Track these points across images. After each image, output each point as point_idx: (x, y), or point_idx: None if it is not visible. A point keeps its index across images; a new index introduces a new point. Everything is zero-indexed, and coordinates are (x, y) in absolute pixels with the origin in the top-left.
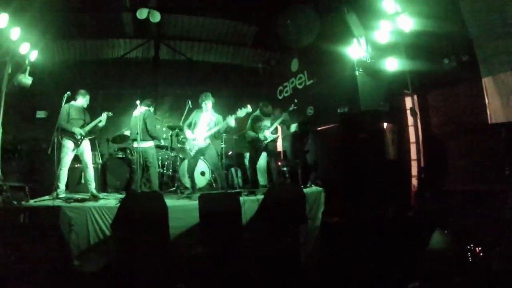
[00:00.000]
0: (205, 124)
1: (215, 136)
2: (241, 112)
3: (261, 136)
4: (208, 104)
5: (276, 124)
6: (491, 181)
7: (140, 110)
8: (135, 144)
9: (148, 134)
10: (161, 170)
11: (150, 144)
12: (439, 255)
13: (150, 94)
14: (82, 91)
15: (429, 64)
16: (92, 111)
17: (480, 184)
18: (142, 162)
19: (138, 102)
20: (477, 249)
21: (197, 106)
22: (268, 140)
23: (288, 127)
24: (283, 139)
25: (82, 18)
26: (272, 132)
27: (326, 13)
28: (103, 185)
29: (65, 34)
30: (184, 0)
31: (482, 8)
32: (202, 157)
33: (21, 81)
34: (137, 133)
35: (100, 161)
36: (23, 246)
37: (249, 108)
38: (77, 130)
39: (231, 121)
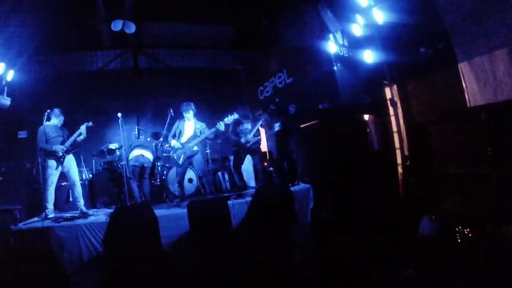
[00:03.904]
0: (191, 132)
1: (201, 143)
2: (229, 119)
3: (243, 140)
4: (190, 113)
5: (257, 126)
6: (474, 163)
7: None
8: (139, 152)
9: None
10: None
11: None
12: (429, 240)
13: (131, 104)
14: (56, 110)
15: (406, 54)
16: (73, 125)
17: (464, 167)
18: (135, 176)
19: (119, 114)
20: (465, 231)
21: (179, 113)
22: (251, 142)
23: (270, 128)
24: (268, 139)
25: (58, 32)
26: (255, 134)
27: (301, 10)
28: (91, 201)
29: (42, 50)
30: (159, 7)
31: None
32: (189, 165)
33: None
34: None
35: (87, 177)
36: (16, 270)
37: (236, 115)
38: (57, 147)
39: (222, 126)
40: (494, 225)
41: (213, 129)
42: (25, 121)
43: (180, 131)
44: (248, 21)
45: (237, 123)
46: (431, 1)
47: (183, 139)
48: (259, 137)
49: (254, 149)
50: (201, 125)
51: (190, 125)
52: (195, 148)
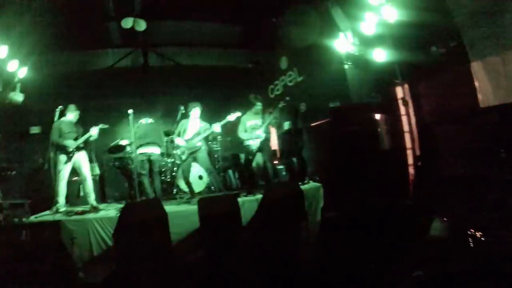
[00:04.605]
0: (195, 130)
1: (208, 139)
2: (231, 117)
3: (253, 136)
4: (195, 112)
5: (267, 122)
6: (486, 164)
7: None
8: (145, 150)
9: (161, 141)
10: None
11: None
12: (439, 242)
13: (141, 102)
14: (71, 106)
15: (417, 53)
16: (84, 122)
17: (476, 169)
18: (145, 171)
19: (130, 111)
20: (477, 234)
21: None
22: (260, 138)
23: (280, 126)
24: (278, 137)
25: (69, 30)
26: (264, 131)
27: (311, 9)
28: (102, 196)
29: (53, 48)
30: (169, 5)
31: None
32: (195, 162)
33: (12, 99)
34: (150, 141)
35: (98, 172)
36: (27, 262)
37: (239, 113)
38: (69, 143)
39: (216, 127)
40: (506, 229)
41: (211, 129)
42: (37, 117)
43: (185, 129)
44: (257, 19)
45: (247, 119)
46: (442, 0)
47: (187, 136)
48: (268, 134)
49: (264, 146)
50: (205, 125)
51: (195, 124)
52: (198, 144)
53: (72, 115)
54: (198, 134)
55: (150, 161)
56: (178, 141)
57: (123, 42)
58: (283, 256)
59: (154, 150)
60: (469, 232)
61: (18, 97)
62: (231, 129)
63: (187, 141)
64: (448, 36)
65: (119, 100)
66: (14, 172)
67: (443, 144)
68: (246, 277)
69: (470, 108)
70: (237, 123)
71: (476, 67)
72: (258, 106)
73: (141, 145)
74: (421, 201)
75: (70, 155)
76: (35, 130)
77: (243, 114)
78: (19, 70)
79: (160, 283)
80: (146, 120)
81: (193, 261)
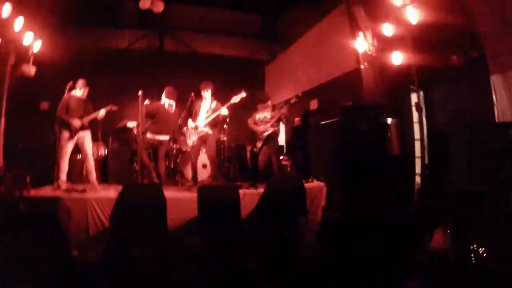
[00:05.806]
0: (204, 112)
1: (215, 126)
2: (236, 98)
3: (261, 128)
4: (207, 92)
5: (276, 117)
6: (494, 181)
7: (169, 102)
8: (158, 137)
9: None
10: None
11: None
12: (440, 254)
13: (153, 85)
14: (81, 81)
15: (437, 60)
16: (95, 101)
17: (483, 184)
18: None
19: (140, 93)
20: (480, 249)
21: (199, 97)
22: (268, 132)
23: (289, 121)
24: (286, 132)
25: (85, 6)
26: (273, 125)
27: (332, 6)
28: (105, 177)
29: (69, 23)
30: None
31: (494, 1)
32: (203, 149)
33: (25, 71)
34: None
35: (103, 152)
36: (22, 234)
37: (243, 94)
38: (74, 121)
39: (223, 110)
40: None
41: (217, 112)
42: (48, 92)
43: (196, 111)
44: (277, 12)
45: (256, 112)
46: (469, 6)
47: (198, 119)
48: (277, 128)
49: (271, 140)
50: (216, 104)
51: (206, 105)
52: (208, 130)
53: (81, 91)
54: (207, 117)
55: (158, 145)
56: (189, 124)
57: (140, 23)
58: (280, 249)
59: (165, 138)
60: (472, 247)
61: (30, 69)
62: (239, 120)
63: (197, 124)
64: (470, 45)
65: (131, 81)
66: (20, 145)
67: (455, 155)
68: (241, 267)
69: (485, 122)
70: (246, 114)
71: (495, 80)
72: (267, 101)
73: (155, 132)
74: (425, 211)
75: (73, 133)
76: (44, 105)
77: (254, 107)
78: (33, 43)
79: (153, 267)
80: (169, 103)
81: (188, 248)
